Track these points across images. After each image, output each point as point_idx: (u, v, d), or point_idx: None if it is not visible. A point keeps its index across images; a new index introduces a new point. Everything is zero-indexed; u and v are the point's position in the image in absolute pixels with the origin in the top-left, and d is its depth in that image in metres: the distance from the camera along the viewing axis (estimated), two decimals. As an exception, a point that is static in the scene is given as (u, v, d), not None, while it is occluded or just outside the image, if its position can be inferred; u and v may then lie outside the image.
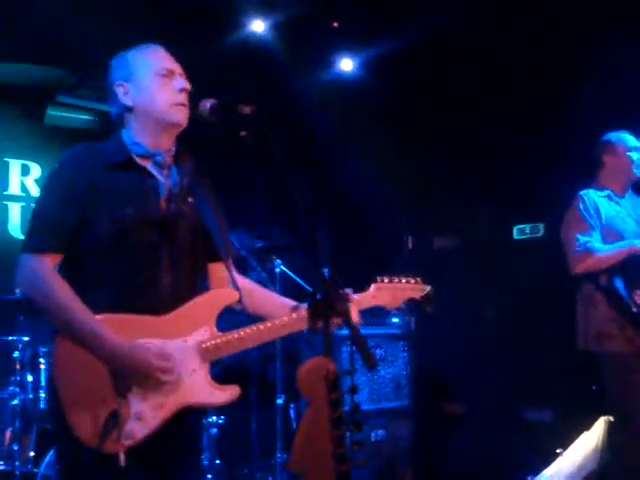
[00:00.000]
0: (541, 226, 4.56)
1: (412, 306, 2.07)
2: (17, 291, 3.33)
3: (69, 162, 1.81)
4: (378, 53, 4.57)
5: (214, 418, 3.53)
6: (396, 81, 4.69)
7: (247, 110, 1.72)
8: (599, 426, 2.52)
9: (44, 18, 3.70)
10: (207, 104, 1.79)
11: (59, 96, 4.66)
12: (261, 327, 1.83)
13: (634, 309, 2.90)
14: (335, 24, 4.44)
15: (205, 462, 3.46)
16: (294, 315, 1.88)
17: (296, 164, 1.72)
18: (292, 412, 3.92)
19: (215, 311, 1.82)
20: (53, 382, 1.71)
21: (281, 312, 1.92)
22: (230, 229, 2.04)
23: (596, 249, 3.01)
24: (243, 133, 1.70)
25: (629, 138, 3.22)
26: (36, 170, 4.69)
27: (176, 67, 1.89)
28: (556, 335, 3.99)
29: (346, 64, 4.83)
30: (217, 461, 3.61)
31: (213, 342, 1.78)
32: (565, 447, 2.66)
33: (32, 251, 1.74)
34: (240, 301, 1.86)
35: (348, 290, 1.95)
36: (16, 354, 3.33)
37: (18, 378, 3.32)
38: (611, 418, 2.54)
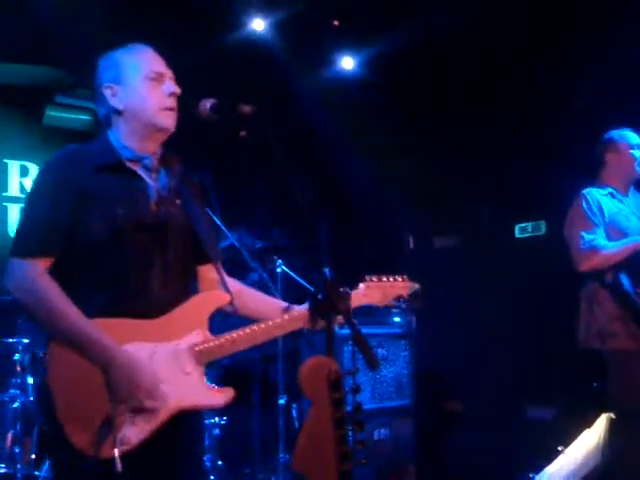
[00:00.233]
0: (543, 224, 4.55)
1: (417, 295, 2.09)
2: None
3: (57, 164, 1.79)
4: (379, 52, 4.56)
5: (216, 419, 3.53)
6: (396, 80, 4.69)
7: (247, 109, 1.71)
8: (601, 423, 2.51)
9: (41, 18, 3.69)
10: (207, 104, 1.78)
11: (57, 96, 4.66)
12: (254, 329, 1.83)
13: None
14: (335, 22, 4.43)
15: (207, 463, 3.46)
16: (286, 316, 1.88)
17: (296, 163, 1.71)
18: (294, 412, 3.92)
19: (207, 313, 1.81)
20: (47, 387, 1.67)
21: (272, 313, 1.91)
22: (230, 226, 2.03)
23: (601, 246, 3.00)
24: (243, 133, 1.69)
25: (631, 136, 3.21)
26: (35, 171, 4.68)
27: (165, 70, 1.87)
28: (557, 333, 3.99)
29: (347, 62, 4.82)
30: (219, 462, 3.61)
31: (206, 345, 1.77)
32: (567, 445, 2.65)
33: (23, 255, 1.71)
34: (231, 303, 1.85)
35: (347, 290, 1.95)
36: (16, 356, 3.33)
37: (19, 380, 3.32)
38: (613, 415, 2.53)
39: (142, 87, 1.82)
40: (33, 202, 1.78)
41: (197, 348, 1.76)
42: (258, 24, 4.34)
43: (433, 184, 4.90)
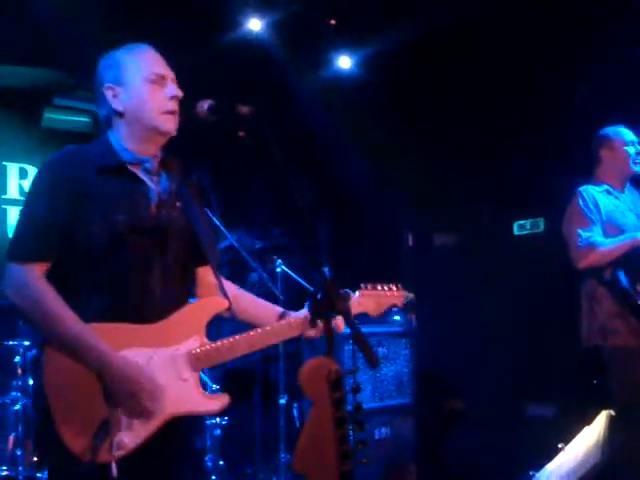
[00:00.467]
0: (541, 222, 4.55)
1: (410, 307, 2.10)
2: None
3: (55, 166, 1.76)
4: (376, 51, 4.56)
5: (217, 419, 3.53)
6: (395, 79, 4.69)
7: (245, 110, 1.71)
8: (601, 420, 2.51)
9: (41, 20, 3.69)
10: (205, 104, 1.76)
11: (56, 99, 4.66)
12: (251, 335, 1.83)
13: (638, 301, 2.90)
14: (332, 22, 4.43)
15: (209, 463, 3.46)
16: (284, 323, 1.87)
17: (295, 163, 1.71)
18: (295, 412, 3.92)
19: (205, 319, 1.80)
20: (42, 392, 1.66)
21: (268, 319, 1.91)
22: (229, 227, 2.03)
23: (599, 243, 3.01)
24: (241, 133, 1.69)
25: (626, 132, 3.22)
26: (34, 173, 4.68)
27: (167, 71, 1.85)
28: (557, 330, 3.99)
29: (344, 62, 4.82)
30: (220, 462, 3.61)
31: (203, 351, 1.77)
32: (567, 442, 2.65)
33: (20, 260, 1.69)
34: (229, 309, 1.85)
35: (347, 291, 1.95)
36: (17, 359, 3.33)
37: (20, 383, 3.32)
38: (613, 412, 2.53)
39: (143, 89, 1.80)
40: (30, 204, 1.75)
41: (194, 354, 1.76)
42: (255, 24, 4.33)
43: (432, 183, 4.90)
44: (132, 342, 1.71)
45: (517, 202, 4.61)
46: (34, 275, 1.68)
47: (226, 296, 1.85)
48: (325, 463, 1.53)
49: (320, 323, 1.58)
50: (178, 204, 1.85)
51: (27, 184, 4.68)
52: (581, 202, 3.10)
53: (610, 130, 3.23)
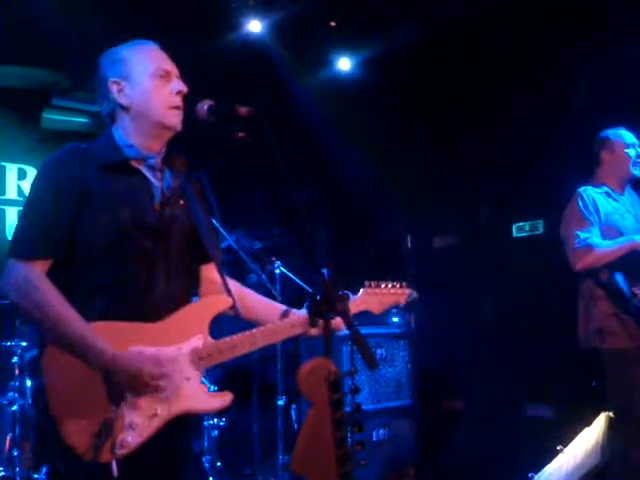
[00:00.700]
0: (540, 224, 4.55)
1: (412, 305, 2.10)
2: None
3: (58, 163, 1.76)
4: (376, 52, 4.56)
5: (215, 420, 3.52)
6: (394, 81, 4.69)
7: (244, 111, 1.71)
8: (600, 422, 2.51)
9: (39, 21, 3.69)
10: (204, 105, 1.77)
11: (55, 99, 4.65)
12: (254, 333, 1.82)
13: (635, 303, 2.90)
14: (332, 23, 4.43)
15: (206, 464, 3.45)
16: (287, 321, 1.87)
17: (295, 165, 1.71)
18: (293, 413, 3.92)
19: (209, 318, 1.80)
20: (43, 391, 1.65)
21: (272, 317, 1.91)
22: (227, 231, 2.03)
23: (596, 245, 3.01)
24: (241, 134, 1.69)
25: (627, 135, 3.22)
26: (33, 174, 4.67)
27: (172, 68, 1.86)
28: (556, 332, 3.99)
29: (344, 63, 4.82)
30: (218, 463, 3.60)
31: (206, 349, 1.77)
32: (566, 443, 2.65)
33: (21, 257, 1.68)
34: (233, 307, 1.84)
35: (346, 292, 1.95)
36: (15, 359, 3.32)
37: (17, 384, 3.30)
38: (611, 414, 2.53)
39: (150, 84, 1.80)
40: (33, 202, 1.75)
41: (197, 353, 1.75)
42: (255, 26, 4.33)
43: (432, 185, 4.90)
44: (135, 340, 1.70)
45: (516, 204, 4.61)
46: (36, 273, 1.67)
47: (230, 294, 1.84)
48: (323, 464, 1.52)
49: (320, 322, 1.58)
50: (182, 201, 1.85)
51: (25, 185, 4.67)
52: (580, 203, 3.10)
53: (611, 132, 3.23)
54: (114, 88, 1.81)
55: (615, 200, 3.17)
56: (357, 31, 4.46)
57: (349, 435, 1.54)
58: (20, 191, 4.66)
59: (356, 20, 4.34)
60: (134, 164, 1.81)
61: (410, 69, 4.61)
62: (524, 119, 4.29)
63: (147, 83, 1.81)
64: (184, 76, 1.90)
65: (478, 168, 4.65)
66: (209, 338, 1.79)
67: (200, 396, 1.75)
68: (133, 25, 3.70)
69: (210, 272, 1.91)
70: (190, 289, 1.88)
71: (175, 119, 1.82)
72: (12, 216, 4.60)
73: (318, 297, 1.58)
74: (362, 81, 4.78)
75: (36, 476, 3.20)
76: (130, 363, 1.65)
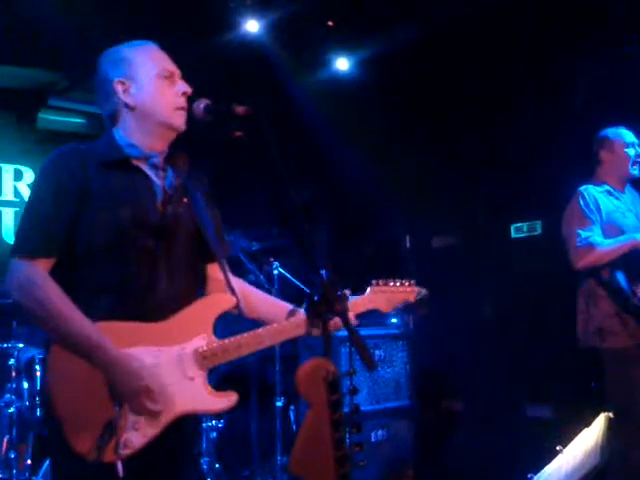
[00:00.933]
0: (538, 224, 4.55)
1: (409, 306, 2.07)
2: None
3: (59, 162, 1.75)
4: (374, 52, 4.55)
5: (213, 422, 3.51)
6: (392, 80, 4.68)
7: (241, 110, 1.69)
8: (600, 422, 2.50)
9: (35, 21, 3.67)
10: (201, 105, 1.76)
11: (51, 99, 4.64)
12: (259, 333, 1.81)
13: (636, 302, 2.89)
14: (330, 23, 4.42)
15: (205, 466, 3.44)
16: (292, 320, 1.85)
17: (293, 164, 1.70)
18: (292, 414, 3.91)
19: (212, 317, 1.79)
20: (48, 391, 1.65)
21: (278, 316, 1.89)
22: (226, 228, 2.01)
23: (597, 243, 3.00)
24: (238, 133, 1.68)
25: (626, 134, 3.21)
26: (29, 175, 4.66)
27: (175, 69, 1.86)
28: (555, 332, 3.99)
29: (342, 63, 4.82)
30: (217, 465, 3.59)
31: (211, 349, 1.75)
32: (565, 444, 2.64)
33: (23, 256, 1.67)
34: (237, 306, 1.83)
35: (347, 292, 1.93)
36: (11, 361, 3.30)
37: (14, 385, 3.29)
38: (611, 414, 2.52)
39: (156, 86, 1.80)
40: (33, 201, 1.74)
41: (201, 352, 1.74)
42: (252, 25, 4.33)
43: (430, 185, 4.90)
44: (138, 341, 1.69)
45: (514, 205, 4.61)
46: (39, 272, 1.67)
47: (234, 293, 1.83)
48: (322, 466, 1.51)
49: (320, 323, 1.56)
50: (185, 200, 1.83)
51: (22, 185, 4.65)
52: (582, 202, 3.09)
53: (610, 131, 3.23)
54: (119, 88, 1.80)
55: (616, 198, 3.17)
56: (355, 31, 4.46)
57: (347, 436, 1.53)
58: (16, 192, 4.64)
59: (354, 20, 4.33)
60: (135, 162, 1.80)
61: (409, 69, 4.60)
62: (523, 120, 4.29)
63: (153, 84, 1.80)
64: (182, 76, 1.89)
65: (477, 169, 4.64)
66: (213, 337, 1.77)
67: (205, 396, 1.74)
68: (130, 25, 3.69)
69: (216, 271, 1.90)
70: (195, 288, 1.86)
71: (180, 120, 1.82)
72: (9, 217, 4.59)
73: (316, 297, 1.57)
74: (360, 81, 4.78)
75: (33, 478, 3.19)
76: (129, 377, 1.64)
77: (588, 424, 2.59)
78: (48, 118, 4.73)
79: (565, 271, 3.16)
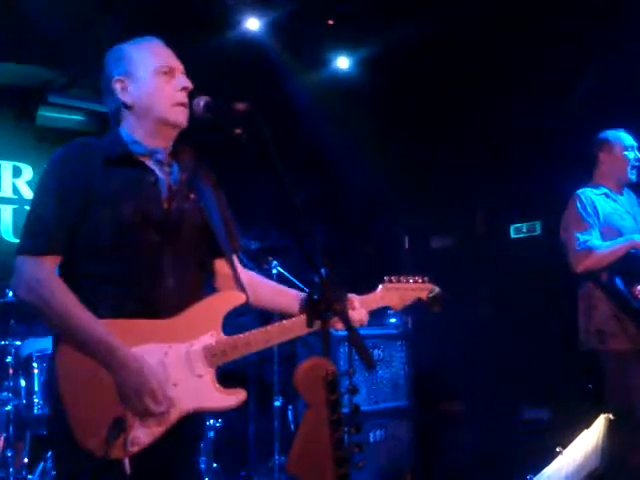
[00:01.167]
0: (538, 225, 4.55)
1: (422, 304, 2.03)
2: (9, 294, 3.31)
3: (65, 158, 1.74)
4: (374, 51, 4.54)
5: (211, 421, 3.50)
6: (392, 79, 4.68)
7: (241, 107, 1.68)
8: (599, 424, 2.50)
9: (34, 18, 3.66)
10: (201, 102, 1.74)
11: (50, 96, 4.62)
12: (268, 330, 1.79)
13: (635, 304, 2.89)
14: (330, 22, 4.41)
15: (202, 466, 3.43)
16: (302, 317, 1.82)
17: (292, 163, 1.68)
18: (290, 414, 3.90)
19: (221, 314, 1.77)
20: (56, 388, 1.63)
21: (290, 307, 1.88)
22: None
23: (596, 247, 3.00)
24: (238, 131, 1.66)
25: (626, 137, 3.21)
26: (28, 172, 4.65)
27: (177, 64, 1.83)
28: (554, 334, 3.99)
29: (342, 62, 4.81)
30: (214, 464, 3.58)
31: (219, 346, 1.74)
32: (563, 445, 2.63)
33: (29, 253, 1.66)
34: (247, 302, 1.81)
35: (352, 294, 1.92)
36: (8, 359, 3.29)
37: (11, 383, 3.27)
38: (611, 416, 2.51)
39: (153, 81, 1.77)
40: (39, 198, 1.72)
41: (210, 350, 1.72)
42: (253, 23, 4.32)
43: (429, 185, 4.89)
44: (146, 338, 1.68)
45: (514, 205, 4.61)
46: (44, 269, 1.66)
47: (242, 289, 1.81)
48: (320, 466, 1.50)
49: (333, 320, 1.55)
50: (192, 195, 1.81)
51: (20, 182, 4.64)
52: (579, 205, 3.09)
53: (610, 134, 3.22)
54: (118, 87, 1.79)
55: (614, 201, 3.17)
56: (355, 29, 4.45)
57: (346, 436, 1.52)
58: (15, 189, 4.62)
59: (354, 18, 4.32)
60: (140, 158, 1.78)
61: (409, 68, 4.60)
62: (523, 120, 4.28)
63: (150, 80, 1.78)
64: (185, 71, 1.87)
65: (476, 169, 4.63)
66: (222, 335, 1.75)
67: (213, 394, 1.72)
68: (130, 23, 3.68)
69: (225, 266, 1.87)
70: (202, 284, 1.84)
71: (180, 116, 1.78)
72: (7, 214, 4.58)
73: (316, 296, 1.56)
74: (360, 80, 4.77)
75: (30, 477, 3.17)
76: (133, 379, 1.62)
77: (586, 426, 2.59)
78: (47, 115, 4.72)
79: (564, 272, 3.16)
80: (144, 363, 1.64)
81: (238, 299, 1.80)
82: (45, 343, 3.31)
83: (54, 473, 3.05)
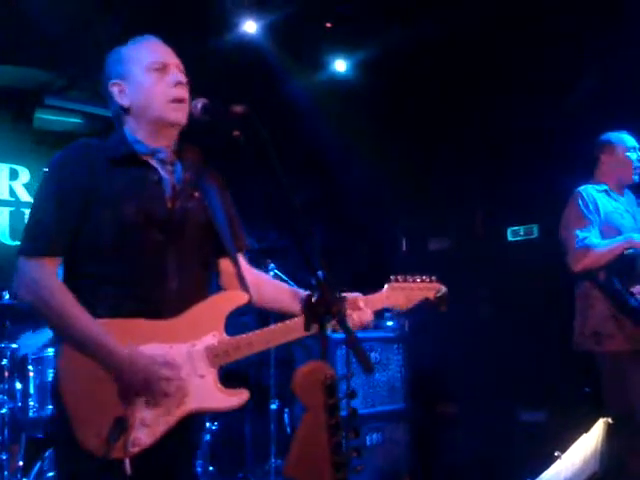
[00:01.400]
0: (535, 228, 4.55)
1: (429, 304, 2.01)
2: (5, 296, 3.29)
3: (65, 160, 1.73)
4: (372, 53, 4.55)
5: (207, 424, 3.48)
6: (390, 81, 4.68)
7: (239, 109, 1.67)
8: (598, 428, 2.49)
9: (32, 19, 3.65)
10: (198, 104, 1.73)
11: (48, 99, 4.61)
12: (271, 330, 1.79)
13: (633, 303, 2.88)
14: (328, 25, 4.42)
15: (199, 469, 3.41)
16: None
17: (290, 165, 1.68)
18: (286, 417, 3.88)
19: (224, 314, 1.76)
20: (58, 388, 1.64)
21: (296, 307, 1.86)
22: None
23: (594, 245, 3.00)
24: (236, 133, 1.65)
25: (628, 138, 3.21)
26: (25, 174, 4.63)
27: (171, 59, 1.80)
28: (551, 336, 3.98)
29: (340, 65, 4.81)
30: (210, 467, 3.57)
31: (222, 347, 1.73)
32: (560, 448, 2.63)
33: (30, 254, 1.66)
34: (250, 302, 1.80)
35: (358, 293, 1.90)
36: (4, 362, 3.27)
37: (6, 386, 3.26)
38: (610, 420, 2.51)
39: (145, 80, 1.75)
40: (41, 199, 1.72)
41: (212, 350, 1.72)
42: (250, 26, 4.32)
43: (427, 187, 4.89)
44: (147, 338, 1.67)
45: (511, 208, 4.61)
46: (45, 271, 1.65)
47: (246, 288, 1.80)
48: (318, 470, 1.49)
49: (331, 323, 1.54)
50: (196, 194, 1.80)
51: (17, 185, 4.62)
52: (581, 202, 3.08)
53: (612, 135, 3.22)
54: (115, 90, 1.78)
55: (615, 200, 3.17)
56: (353, 32, 4.45)
57: (344, 440, 1.51)
58: (12, 191, 4.60)
59: (352, 21, 4.32)
60: (144, 158, 1.77)
61: (406, 71, 4.60)
62: (522, 121, 4.28)
63: (143, 79, 1.76)
64: (181, 67, 1.85)
65: (474, 171, 4.64)
66: (224, 335, 1.74)
67: (215, 394, 1.71)
68: (128, 25, 3.67)
69: (230, 265, 1.86)
70: (206, 284, 1.83)
71: (176, 113, 1.76)
72: (4, 216, 4.55)
73: (314, 299, 1.55)
74: (358, 82, 4.77)
75: (25, 480, 3.16)
76: (142, 363, 1.62)
77: (582, 428, 2.58)
78: (44, 117, 4.70)
79: (561, 275, 3.15)
80: (148, 359, 1.63)
81: (241, 299, 1.79)
82: (40, 338, 3.31)
83: (49, 476, 3.05)
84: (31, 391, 3.28)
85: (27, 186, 4.61)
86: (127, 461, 1.58)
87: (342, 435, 1.50)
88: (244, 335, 1.76)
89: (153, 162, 1.78)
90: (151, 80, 1.76)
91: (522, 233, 4.63)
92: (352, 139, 4.77)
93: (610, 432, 2.37)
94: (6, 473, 3.15)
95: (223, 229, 1.81)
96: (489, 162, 4.57)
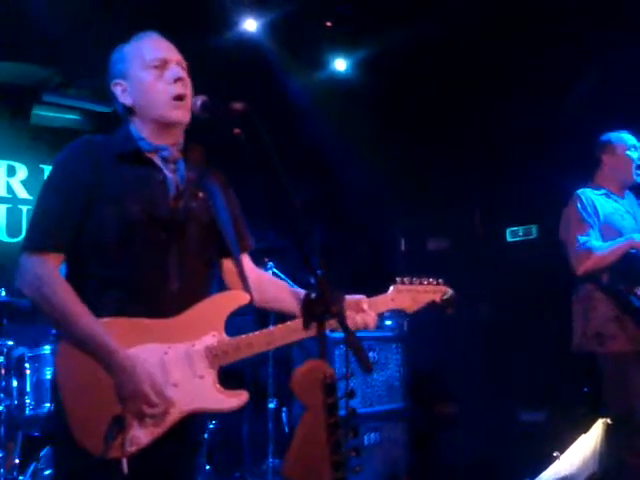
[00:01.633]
0: (534, 228, 4.55)
1: (435, 307, 2.00)
2: (2, 293, 3.28)
3: (71, 155, 1.72)
4: (371, 52, 4.54)
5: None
6: (390, 81, 4.68)
7: (239, 107, 1.66)
8: (597, 429, 2.49)
9: (30, 16, 3.64)
10: (198, 101, 1.72)
11: (45, 95, 4.59)
12: (272, 331, 1.77)
13: (636, 303, 2.88)
14: (328, 23, 4.41)
15: (196, 468, 3.40)
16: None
17: (290, 164, 1.67)
18: (284, 416, 3.88)
19: (224, 314, 1.75)
20: (57, 386, 1.63)
21: (294, 306, 1.85)
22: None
23: (595, 248, 2.99)
24: (236, 131, 1.64)
25: (628, 137, 3.21)
26: (22, 171, 4.61)
27: (171, 55, 1.78)
28: (549, 337, 3.98)
29: (339, 64, 4.80)
30: (207, 466, 3.56)
31: (221, 347, 1.71)
32: (560, 448, 2.63)
33: (33, 250, 1.65)
34: (251, 302, 1.79)
35: (362, 295, 1.89)
36: (1, 359, 3.26)
37: (3, 384, 3.24)
38: (609, 420, 2.51)
39: (145, 77, 1.74)
40: (45, 196, 1.70)
41: (212, 350, 1.70)
42: (250, 24, 4.31)
43: (426, 187, 4.89)
44: (149, 337, 1.66)
45: (510, 208, 4.61)
46: (47, 266, 1.65)
47: (247, 289, 1.78)
48: (317, 469, 1.49)
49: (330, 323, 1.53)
50: (200, 194, 1.79)
51: (15, 181, 4.60)
52: (579, 205, 3.08)
53: (613, 135, 3.22)
54: (118, 89, 1.77)
55: (615, 201, 3.16)
56: (353, 31, 4.45)
57: (343, 440, 1.50)
58: (9, 188, 4.59)
59: (352, 20, 4.32)
60: (148, 155, 1.76)
61: (406, 70, 4.60)
62: (520, 123, 4.28)
63: (143, 77, 1.74)
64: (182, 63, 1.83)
65: (473, 171, 4.64)
66: (224, 335, 1.73)
67: (214, 395, 1.70)
68: (127, 23, 3.65)
69: (234, 265, 1.85)
70: (210, 283, 1.82)
71: (178, 111, 1.74)
72: (1, 213, 4.54)
73: (313, 297, 1.54)
74: (358, 81, 4.77)
75: (21, 478, 3.14)
76: (137, 382, 1.60)
77: (581, 429, 2.58)
78: (42, 114, 4.68)
79: (560, 275, 3.15)
80: (137, 364, 1.62)
81: (242, 299, 1.78)
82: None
83: (46, 474, 3.04)
84: (28, 389, 3.27)
85: (24, 183, 4.59)
86: (124, 461, 1.57)
87: (341, 434, 1.49)
88: (244, 336, 1.74)
89: (157, 160, 1.77)
90: (151, 77, 1.74)
91: (521, 233, 4.63)
92: (352, 139, 4.77)
93: (609, 432, 2.37)
94: (2, 470, 3.14)
95: (227, 229, 1.80)
96: (488, 162, 4.57)
